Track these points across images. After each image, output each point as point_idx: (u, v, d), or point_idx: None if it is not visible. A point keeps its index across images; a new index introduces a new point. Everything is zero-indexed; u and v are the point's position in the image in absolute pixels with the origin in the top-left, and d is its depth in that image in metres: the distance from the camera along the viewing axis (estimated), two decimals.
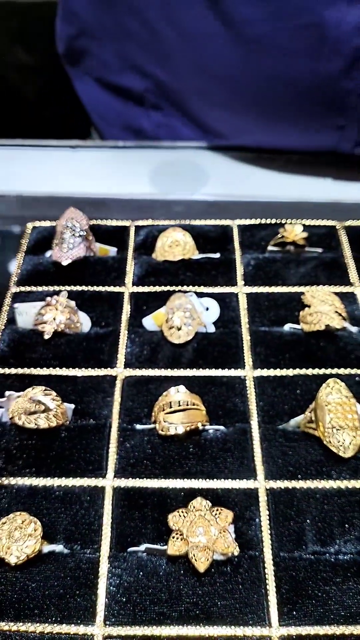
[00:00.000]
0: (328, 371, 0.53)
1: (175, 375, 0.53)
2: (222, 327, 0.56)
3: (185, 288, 0.59)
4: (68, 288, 0.59)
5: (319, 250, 0.62)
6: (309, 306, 0.56)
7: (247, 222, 0.65)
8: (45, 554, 0.43)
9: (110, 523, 0.44)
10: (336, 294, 0.57)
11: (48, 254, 0.63)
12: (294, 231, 0.61)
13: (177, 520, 0.42)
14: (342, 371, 0.53)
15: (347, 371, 0.53)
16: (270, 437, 0.49)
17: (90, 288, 0.59)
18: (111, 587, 0.41)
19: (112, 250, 0.63)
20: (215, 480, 0.46)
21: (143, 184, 0.77)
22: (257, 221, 0.65)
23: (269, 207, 0.72)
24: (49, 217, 0.66)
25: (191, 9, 0.67)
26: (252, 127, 0.77)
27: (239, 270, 0.61)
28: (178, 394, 0.49)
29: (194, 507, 0.43)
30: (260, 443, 0.48)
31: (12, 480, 0.46)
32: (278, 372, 0.53)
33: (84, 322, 0.56)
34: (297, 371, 0.53)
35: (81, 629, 0.40)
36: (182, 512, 0.43)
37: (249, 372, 0.53)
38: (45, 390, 0.49)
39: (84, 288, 0.59)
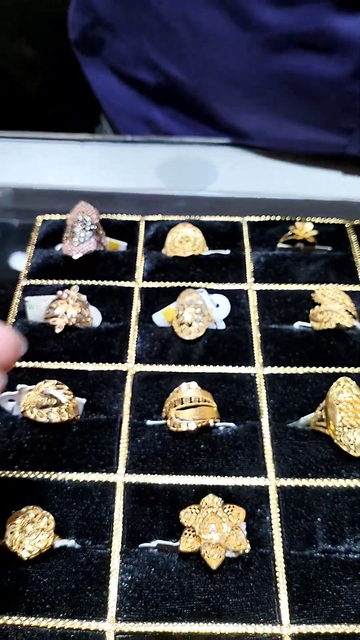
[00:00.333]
0: (338, 370, 0.53)
1: (186, 371, 0.53)
2: (232, 324, 0.56)
3: (195, 284, 0.59)
4: (78, 282, 0.59)
5: (328, 248, 0.62)
6: (319, 304, 0.56)
7: (257, 219, 0.65)
8: (57, 548, 0.43)
9: (121, 519, 0.44)
10: (346, 292, 0.57)
11: (58, 247, 0.63)
12: (305, 229, 0.61)
13: (189, 517, 0.42)
14: (352, 370, 0.53)
15: (358, 370, 0.53)
16: (280, 435, 0.49)
17: (100, 282, 0.59)
18: (123, 583, 0.41)
19: (122, 245, 0.63)
20: (226, 477, 0.46)
21: (151, 179, 0.77)
22: (267, 218, 0.65)
23: (278, 205, 0.72)
24: (55, 211, 0.66)
25: (206, 11, 0.68)
26: (262, 127, 0.78)
27: (249, 267, 0.61)
28: (189, 390, 0.49)
29: (206, 504, 0.43)
30: (270, 441, 0.49)
31: (24, 474, 0.46)
32: (288, 370, 0.53)
33: (95, 317, 0.56)
34: (307, 369, 0.53)
35: (93, 625, 0.40)
36: (194, 508, 0.43)
37: (259, 370, 0.53)
38: (57, 384, 0.49)
39: (95, 282, 0.59)
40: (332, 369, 0.53)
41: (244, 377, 0.53)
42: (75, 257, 0.59)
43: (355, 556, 0.43)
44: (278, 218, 0.65)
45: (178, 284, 0.59)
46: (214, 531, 0.41)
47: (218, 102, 0.77)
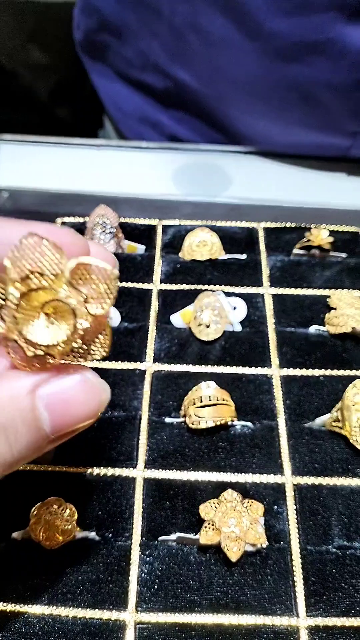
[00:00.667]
0: (353, 372, 0.54)
1: (203, 371, 0.54)
2: (249, 327, 0.57)
3: (212, 287, 0.60)
4: None
5: (343, 255, 0.64)
6: (334, 309, 0.57)
7: (273, 225, 0.66)
8: (78, 539, 0.44)
9: (141, 512, 0.45)
10: None
11: None
12: (320, 235, 0.62)
13: (209, 511, 0.43)
14: None
15: None
16: (297, 435, 0.50)
17: (119, 284, 0.60)
18: (143, 574, 0.42)
19: (140, 248, 0.64)
20: (243, 474, 0.47)
21: (166, 185, 0.78)
22: (282, 224, 0.66)
23: (291, 212, 0.74)
24: (72, 214, 0.68)
25: (216, 18, 0.69)
26: (267, 131, 0.79)
27: (265, 271, 0.62)
28: (208, 389, 0.50)
29: (225, 499, 0.44)
30: (287, 440, 0.49)
31: (48, 468, 0.47)
32: (304, 372, 0.54)
33: (114, 317, 0.57)
34: (322, 371, 0.54)
35: (114, 615, 0.41)
36: (214, 503, 0.44)
37: (275, 371, 0.54)
38: None
39: None
40: (347, 372, 0.54)
41: (261, 378, 0.54)
42: None
43: None
44: (293, 225, 0.66)
45: (195, 286, 0.60)
46: (234, 525, 0.42)
47: (225, 106, 0.79)
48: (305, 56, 0.67)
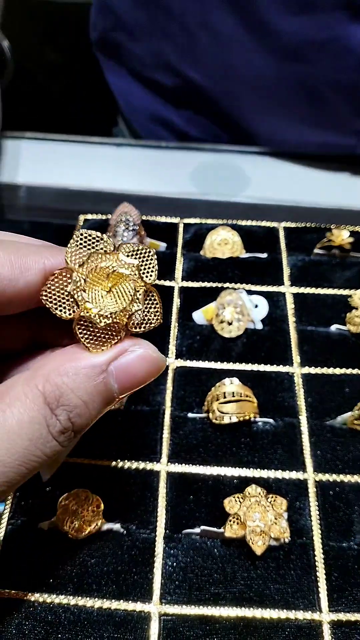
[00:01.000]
0: None
1: (225, 368, 0.54)
2: (270, 325, 0.58)
3: (233, 285, 0.60)
4: None
5: None
6: (355, 308, 0.57)
7: (293, 225, 0.67)
8: (103, 531, 0.44)
9: (164, 506, 0.46)
10: None
11: None
12: (341, 236, 0.63)
13: (233, 505, 0.44)
14: None
15: None
16: (318, 432, 0.50)
17: None
18: (167, 567, 0.43)
19: (162, 246, 0.65)
20: (266, 470, 0.48)
21: (185, 185, 0.79)
22: (303, 224, 0.67)
23: (308, 213, 0.74)
24: (93, 212, 0.68)
25: (225, 18, 0.70)
26: (275, 128, 0.81)
27: (286, 271, 0.62)
28: (232, 386, 0.50)
29: (249, 493, 0.44)
30: (309, 437, 0.50)
31: (76, 460, 0.47)
32: (325, 371, 0.54)
33: None
34: (344, 370, 0.54)
35: (138, 606, 0.41)
36: (238, 497, 0.44)
37: (296, 369, 0.54)
38: None
39: None
40: None
41: (282, 376, 0.54)
42: None
43: None
44: (314, 225, 0.66)
45: (216, 284, 0.61)
46: (258, 519, 0.42)
47: (234, 104, 0.80)
48: (312, 55, 0.69)
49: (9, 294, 0.31)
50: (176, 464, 0.48)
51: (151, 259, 0.32)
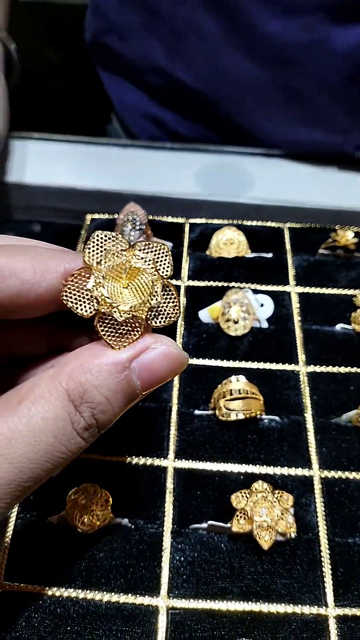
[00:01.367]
0: None
1: (231, 366, 0.55)
2: (276, 324, 0.58)
3: (239, 284, 0.61)
4: None
5: None
6: None
7: (298, 225, 0.67)
8: (112, 525, 0.44)
9: (172, 501, 0.46)
10: None
11: None
12: (346, 236, 0.63)
13: (240, 501, 0.44)
14: None
15: None
16: (323, 430, 0.51)
17: None
18: (175, 561, 0.43)
19: (168, 245, 0.65)
20: (272, 466, 0.48)
21: (190, 185, 0.79)
22: (308, 225, 0.67)
23: (312, 214, 0.75)
24: (99, 211, 0.69)
25: (213, 20, 0.72)
26: (264, 128, 0.82)
27: (291, 270, 0.63)
28: (238, 383, 0.51)
29: (256, 489, 0.45)
30: (314, 435, 0.50)
31: (85, 455, 0.48)
32: (330, 369, 0.55)
33: None
34: (349, 369, 0.55)
35: (146, 600, 0.42)
36: (245, 493, 0.45)
37: (302, 368, 0.55)
38: None
39: None
40: None
41: (288, 374, 0.54)
42: None
43: None
44: (319, 225, 0.67)
45: (222, 283, 0.61)
46: (265, 514, 0.43)
47: (224, 105, 0.82)
48: (297, 56, 0.71)
49: (32, 298, 0.32)
50: (183, 460, 0.49)
51: (166, 255, 0.33)
